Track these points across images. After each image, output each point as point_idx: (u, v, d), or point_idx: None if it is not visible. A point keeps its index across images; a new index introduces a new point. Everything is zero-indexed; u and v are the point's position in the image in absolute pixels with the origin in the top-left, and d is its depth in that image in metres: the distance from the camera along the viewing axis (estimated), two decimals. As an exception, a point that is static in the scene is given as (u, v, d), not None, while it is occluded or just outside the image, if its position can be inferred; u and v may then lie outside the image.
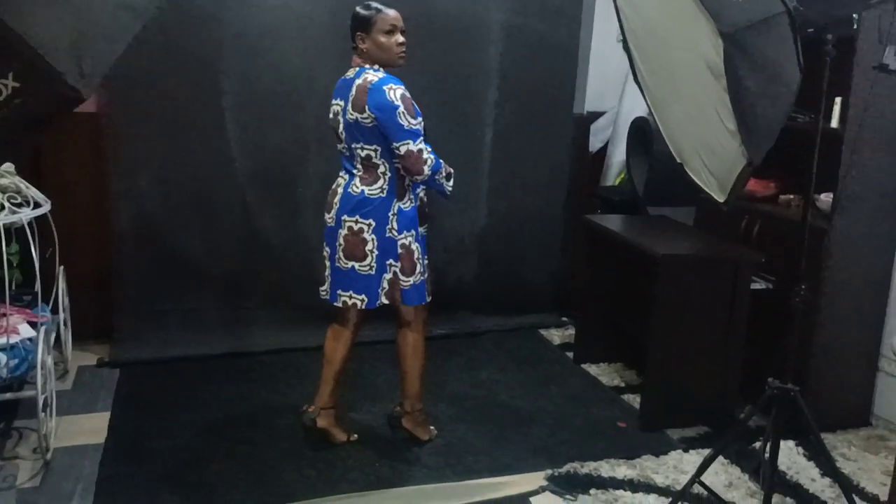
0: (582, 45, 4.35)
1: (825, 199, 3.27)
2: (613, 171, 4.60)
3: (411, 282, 2.91)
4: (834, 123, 3.18)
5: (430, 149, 2.78)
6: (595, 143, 4.70)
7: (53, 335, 3.32)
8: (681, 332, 3.27)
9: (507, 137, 4.30)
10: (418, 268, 2.93)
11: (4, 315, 2.99)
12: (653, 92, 2.68)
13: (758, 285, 3.37)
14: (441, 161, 2.84)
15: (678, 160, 2.64)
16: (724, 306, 3.29)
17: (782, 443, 2.68)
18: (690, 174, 2.59)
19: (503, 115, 4.27)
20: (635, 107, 4.31)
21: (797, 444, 3.22)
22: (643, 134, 4.08)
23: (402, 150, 2.74)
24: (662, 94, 2.65)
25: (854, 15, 2.71)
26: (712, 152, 2.40)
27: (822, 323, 3.26)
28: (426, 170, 2.77)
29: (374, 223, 2.84)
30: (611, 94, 4.59)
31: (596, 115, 4.65)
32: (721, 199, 2.45)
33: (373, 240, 2.85)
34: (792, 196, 3.56)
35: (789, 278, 2.56)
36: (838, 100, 3.15)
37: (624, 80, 4.46)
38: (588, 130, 4.64)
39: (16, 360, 2.90)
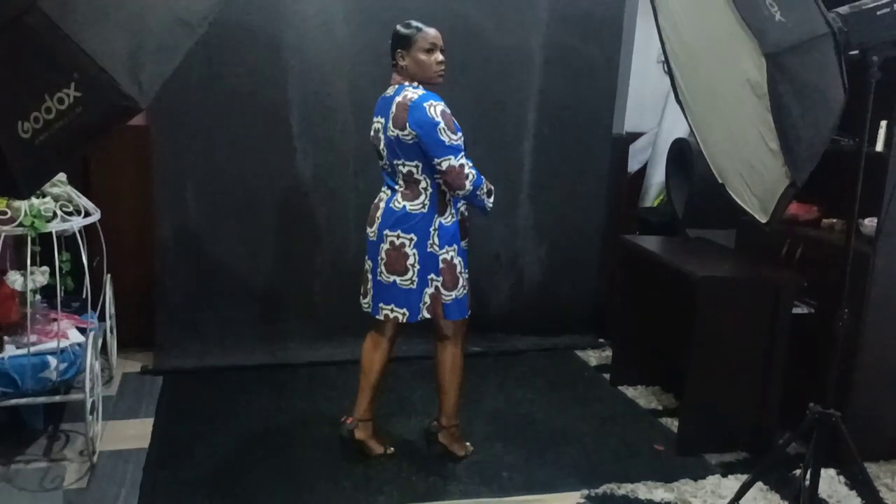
0: (622, 66, 4.37)
1: (869, 223, 3.23)
2: (652, 192, 4.59)
3: (453, 296, 2.94)
4: (879, 147, 3.15)
5: (471, 164, 2.82)
6: (634, 164, 4.70)
7: (100, 341, 3.40)
8: (720, 355, 3.24)
9: (545, 157, 4.32)
10: (461, 282, 2.95)
11: (55, 320, 3.08)
12: (694, 111, 2.68)
13: (799, 310, 3.33)
14: (482, 177, 2.87)
15: (719, 180, 2.62)
16: (765, 330, 3.26)
17: (823, 471, 2.64)
18: (732, 195, 2.58)
19: (541, 135, 4.30)
20: (675, 128, 4.31)
21: (838, 473, 3.16)
22: (683, 155, 4.08)
23: (444, 165, 2.78)
24: (704, 113, 2.64)
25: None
26: (754, 172, 2.39)
27: (865, 348, 3.20)
28: (468, 185, 2.81)
29: (415, 238, 2.88)
30: (650, 114, 4.60)
31: (635, 136, 4.65)
32: (763, 221, 2.43)
33: (414, 254, 2.88)
34: (835, 220, 3.52)
35: (831, 303, 2.53)
36: (883, 123, 3.12)
37: (664, 100, 4.47)
38: (627, 151, 4.65)
39: (65, 364, 2.98)
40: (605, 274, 4.59)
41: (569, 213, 4.43)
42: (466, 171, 2.79)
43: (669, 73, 2.76)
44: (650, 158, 4.61)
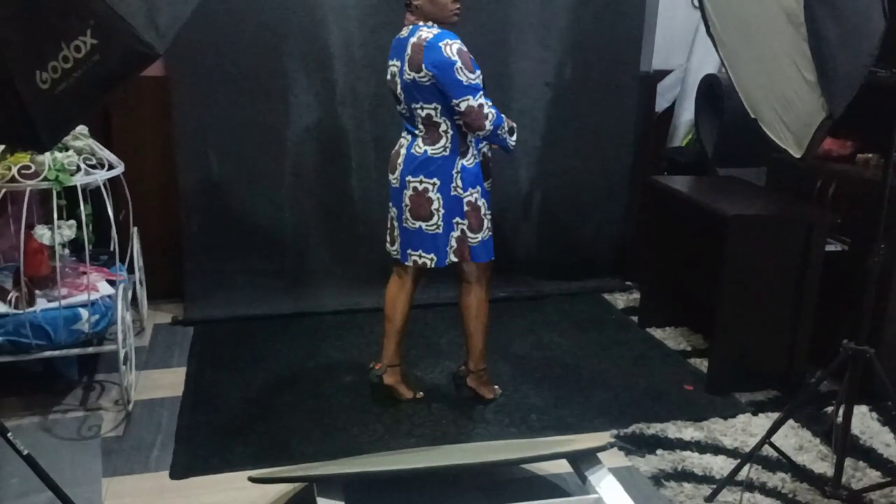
0: (649, 1, 4.24)
1: (906, 157, 3.15)
2: (681, 131, 4.50)
3: (479, 238, 2.91)
4: (918, 77, 3.05)
5: (490, 103, 2.76)
6: (662, 103, 4.59)
7: (130, 293, 3.43)
8: (751, 294, 3.21)
9: (570, 97, 4.23)
10: (485, 224, 2.93)
11: (84, 273, 3.10)
12: (726, 44, 2.59)
13: (832, 247, 3.27)
14: (503, 115, 2.81)
15: (752, 115, 2.55)
16: (797, 268, 3.21)
17: (855, 408, 2.62)
18: (765, 129, 2.50)
19: (566, 74, 4.20)
20: (705, 63, 4.20)
21: (871, 409, 3.14)
22: (713, 91, 3.97)
23: (463, 106, 2.72)
24: (736, 45, 2.56)
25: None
26: (789, 105, 2.32)
27: (900, 285, 3.15)
28: (488, 125, 2.75)
29: (438, 182, 2.84)
30: (678, 51, 4.47)
31: (663, 74, 4.54)
32: (798, 155, 2.37)
33: (438, 199, 2.85)
34: (870, 155, 3.43)
35: (865, 240, 2.47)
36: (923, 52, 3.01)
37: (692, 36, 4.34)
38: (654, 89, 4.54)
39: (96, 316, 3.01)
40: (632, 216, 4.54)
41: (595, 155, 4.35)
42: (486, 110, 2.73)
43: (700, 5, 2.67)
44: (679, 96, 4.50)
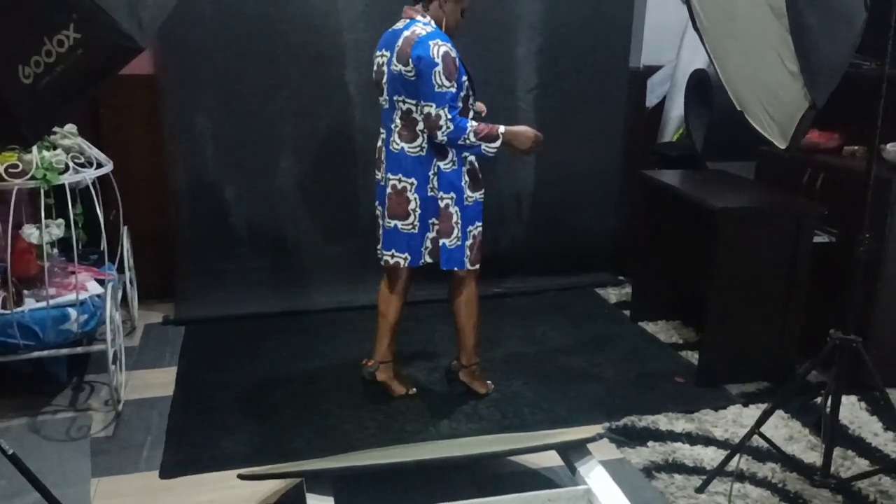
0: (638, -3, 4.26)
1: (892, 148, 3.17)
2: (671, 126, 4.51)
3: (444, 243, 2.90)
4: (903, 69, 3.05)
5: (451, 116, 2.73)
6: (652, 99, 4.61)
7: (120, 293, 3.42)
8: (741, 286, 3.22)
9: (559, 94, 4.23)
10: (455, 232, 2.90)
11: (73, 273, 3.09)
12: (712, 37, 2.61)
13: (820, 238, 3.29)
14: (468, 127, 2.75)
15: (738, 107, 2.57)
16: (786, 260, 3.23)
17: (844, 398, 2.63)
18: (751, 122, 2.52)
19: (556, 71, 4.20)
20: (694, 59, 4.21)
21: (860, 399, 3.16)
22: (702, 87, 3.98)
23: (425, 110, 2.74)
24: (722, 39, 2.57)
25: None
26: (774, 97, 2.33)
27: (886, 274, 3.16)
28: (440, 135, 2.75)
29: (416, 182, 2.85)
30: (668, 47, 4.49)
31: (653, 70, 4.55)
32: (783, 146, 2.39)
33: (415, 199, 2.86)
34: (856, 147, 3.45)
35: (852, 231, 2.49)
36: (908, 43, 3.02)
37: (682, 32, 4.35)
38: (645, 85, 4.55)
39: (85, 316, 3.00)
40: (623, 211, 4.54)
41: (586, 151, 4.35)
42: (441, 122, 2.72)
43: (686, 0, 2.69)
44: (668, 92, 4.51)
